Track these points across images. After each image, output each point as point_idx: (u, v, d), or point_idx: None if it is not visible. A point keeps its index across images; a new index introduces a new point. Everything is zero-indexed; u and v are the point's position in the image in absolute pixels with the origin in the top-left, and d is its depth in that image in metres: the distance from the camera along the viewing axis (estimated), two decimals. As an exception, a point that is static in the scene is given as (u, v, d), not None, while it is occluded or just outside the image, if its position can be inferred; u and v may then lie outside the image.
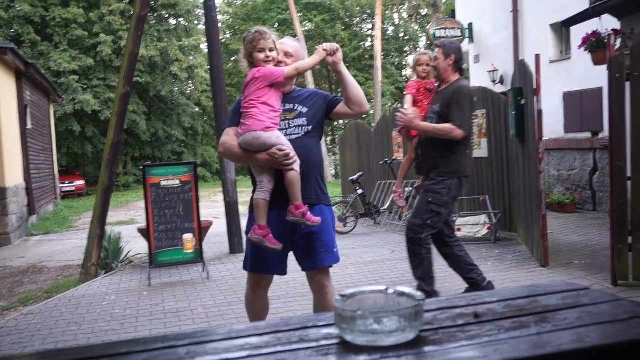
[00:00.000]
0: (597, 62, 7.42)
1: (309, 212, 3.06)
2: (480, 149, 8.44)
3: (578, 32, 8.31)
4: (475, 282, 4.76)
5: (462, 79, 4.73)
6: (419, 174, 4.92)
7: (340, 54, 3.07)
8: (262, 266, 3.31)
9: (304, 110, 3.20)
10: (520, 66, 6.92)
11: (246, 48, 3.13)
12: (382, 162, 10.62)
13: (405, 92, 4.96)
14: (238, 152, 3.13)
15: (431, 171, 4.66)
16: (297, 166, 3.07)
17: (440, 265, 5.10)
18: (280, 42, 3.28)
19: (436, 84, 4.89)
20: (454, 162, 4.58)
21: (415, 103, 4.82)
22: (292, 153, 3.04)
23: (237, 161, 3.31)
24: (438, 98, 4.71)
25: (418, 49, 38.29)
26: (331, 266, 3.33)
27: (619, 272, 4.94)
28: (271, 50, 3.10)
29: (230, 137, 3.18)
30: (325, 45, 3.07)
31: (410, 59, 39.76)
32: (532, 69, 5.98)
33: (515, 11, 11.74)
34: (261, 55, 3.08)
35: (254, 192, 3.24)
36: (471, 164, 4.76)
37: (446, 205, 4.62)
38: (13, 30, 25.18)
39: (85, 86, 25.40)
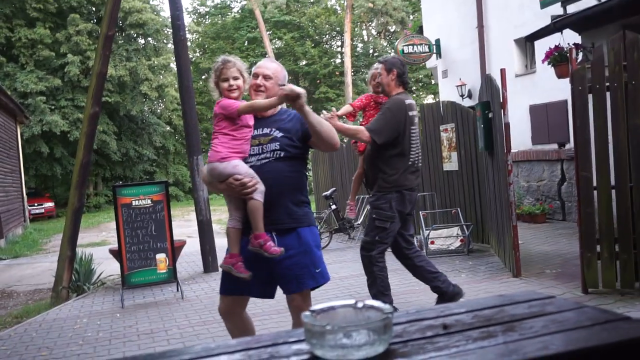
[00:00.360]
0: (560, 75, 7.59)
1: (268, 242, 3.02)
2: (451, 162, 8.53)
3: (542, 47, 8.51)
4: (440, 290, 4.81)
5: (403, 93, 4.74)
6: (366, 187, 5.06)
7: (303, 100, 2.94)
8: (235, 288, 3.26)
9: (279, 135, 3.15)
10: (487, 80, 7.04)
11: (214, 78, 3.17)
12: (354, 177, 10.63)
13: (353, 103, 5.11)
14: (206, 182, 3.24)
15: (372, 186, 4.77)
16: (258, 195, 3.03)
17: (414, 279, 5.13)
18: (258, 64, 3.27)
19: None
20: (391, 176, 4.61)
21: (363, 114, 5.07)
22: (252, 181, 3.01)
23: (212, 190, 3.36)
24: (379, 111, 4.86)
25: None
26: (312, 289, 3.28)
27: (589, 280, 5.03)
28: (235, 78, 3.11)
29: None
30: (287, 89, 2.93)
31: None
32: (499, 82, 6.08)
33: (481, 27, 11.97)
34: (225, 85, 3.11)
35: None
36: (416, 177, 4.74)
37: (391, 219, 4.62)
38: (-23, 52, 24.84)
39: (53, 107, 25.08)
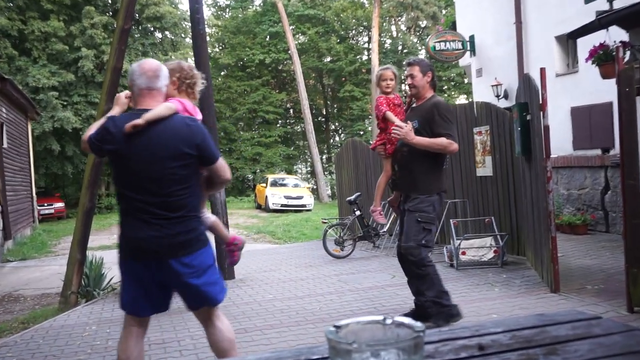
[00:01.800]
0: (605, 75, 7.48)
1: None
2: (485, 167, 8.46)
3: (585, 45, 8.39)
4: (418, 306, 4.98)
5: (437, 95, 5.02)
6: (395, 190, 5.17)
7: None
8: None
9: None
10: (525, 80, 6.96)
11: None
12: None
13: (381, 109, 5.12)
14: None
15: (411, 189, 4.88)
16: None
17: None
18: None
19: (408, 101, 5.20)
20: (434, 179, 4.86)
21: (383, 119, 5.12)
22: None
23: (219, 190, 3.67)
24: (414, 114, 4.92)
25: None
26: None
27: (635, 297, 4.93)
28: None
29: None
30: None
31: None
32: (538, 83, 6.02)
33: (519, 23, 11.85)
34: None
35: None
36: (446, 179, 5.12)
37: (434, 221, 4.87)
38: (-12, 45, 25.25)
39: (65, 103, 25.42)
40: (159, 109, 3.17)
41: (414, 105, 5.09)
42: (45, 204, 23.88)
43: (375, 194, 5.36)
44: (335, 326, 1.03)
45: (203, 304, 3.31)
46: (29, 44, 25.79)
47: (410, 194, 4.89)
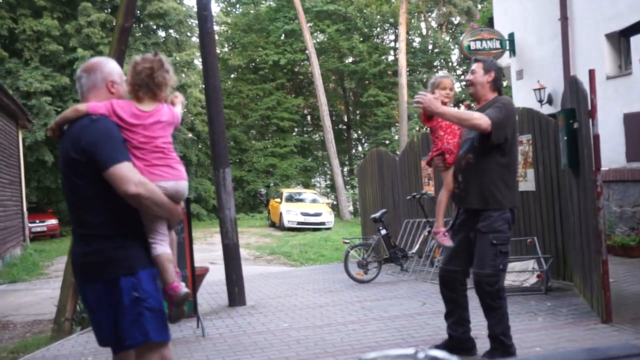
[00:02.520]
0: (663, 77, 7.44)
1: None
2: (526, 181, 8.42)
3: (639, 43, 8.35)
4: (456, 338, 5.03)
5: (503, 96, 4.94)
6: (460, 206, 4.96)
7: None
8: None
9: None
10: (571, 83, 6.94)
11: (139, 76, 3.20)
12: (409, 197, 10.61)
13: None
14: (164, 199, 3.12)
15: (482, 204, 4.74)
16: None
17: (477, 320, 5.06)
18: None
19: (472, 105, 5.10)
20: (507, 191, 4.74)
21: (435, 127, 5.04)
22: None
23: (154, 210, 3.11)
24: None
25: (446, 65, 38.60)
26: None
27: (697, 329, 4.87)
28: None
29: (143, 177, 3.05)
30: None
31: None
32: (586, 86, 5.99)
33: (565, 19, 11.82)
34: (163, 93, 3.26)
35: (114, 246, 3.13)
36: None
37: (509, 242, 4.79)
38: (-24, 45, 25.74)
39: (59, 109, 25.63)
40: (66, 111, 3.21)
41: (475, 109, 4.98)
42: (37, 221, 24.10)
43: (437, 212, 5.14)
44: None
45: (114, 346, 3.15)
46: (20, 45, 26.19)
47: (480, 211, 4.75)
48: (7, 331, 8.16)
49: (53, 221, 25.31)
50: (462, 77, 37.92)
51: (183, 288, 3.17)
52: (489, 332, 4.81)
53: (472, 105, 5.19)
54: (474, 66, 4.91)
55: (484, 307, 4.80)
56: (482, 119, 4.48)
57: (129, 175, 2.96)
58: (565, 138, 6.77)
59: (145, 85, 3.14)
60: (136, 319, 3.02)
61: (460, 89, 38.49)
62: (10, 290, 11.79)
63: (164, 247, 3.16)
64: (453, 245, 4.91)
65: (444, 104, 4.90)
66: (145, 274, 3.09)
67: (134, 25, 26.35)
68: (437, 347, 5.09)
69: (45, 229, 24.60)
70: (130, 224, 3.13)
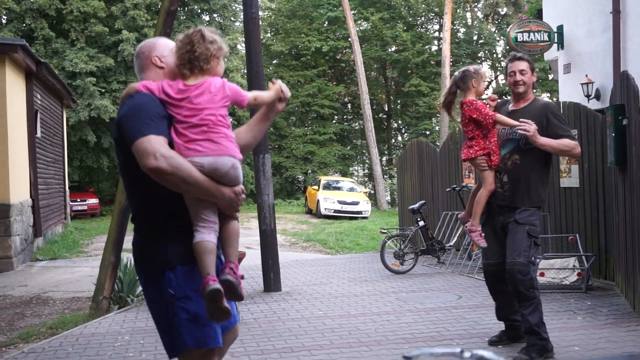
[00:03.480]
0: None
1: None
2: (570, 178, 8.28)
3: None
4: (517, 325, 5.18)
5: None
6: (503, 205, 5.04)
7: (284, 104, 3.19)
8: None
9: None
10: (622, 78, 6.80)
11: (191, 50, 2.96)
12: (449, 189, 10.53)
13: (488, 113, 4.90)
14: (197, 176, 2.75)
15: (523, 201, 4.96)
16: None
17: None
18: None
19: (494, 104, 5.22)
20: (543, 189, 5.07)
21: (484, 125, 4.98)
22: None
23: (186, 189, 2.77)
24: (520, 118, 4.89)
25: (492, 56, 38.06)
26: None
27: None
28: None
29: (171, 151, 2.73)
30: (283, 87, 3.12)
31: (486, 67, 39.50)
32: (638, 82, 5.87)
33: (617, 12, 11.54)
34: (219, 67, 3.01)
35: (148, 235, 2.91)
36: None
37: (539, 237, 5.06)
38: (25, 25, 26.14)
39: (103, 90, 26.11)
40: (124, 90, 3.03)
41: (511, 108, 5.15)
42: (78, 200, 24.54)
43: (475, 211, 5.06)
44: (405, 357, 1.02)
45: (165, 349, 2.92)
46: (66, 25, 26.57)
47: (519, 205, 4.95)
48: (47, 306, 8.33)
49: (94, 200, 25.75)
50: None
51: (213, 284, 2.72)
52: (525, 325, 4.89)
53: (498, 100, 5.35)
54: (524, 66, 5.04)
55: (519, 298, 4.91)
56: (578, 147, 5.01)
57: (150, 147, 2.67)
58: (613, 134, 6.66)
59: (188, 62, 2.91)
60: (173, 329, 2.81)
61: (503, 81, 38.01)
62: (51, 267, 12.03)
63: (203, 234, 2.80)
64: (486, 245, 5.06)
65: (520, 93, 5.13)
66: (182, 270, 2.82)
67: (179, 9, 26.54)
68: (496, 338, 5.32)
69: (86, 207, 25.04)
70: (171, 213, 2.87)
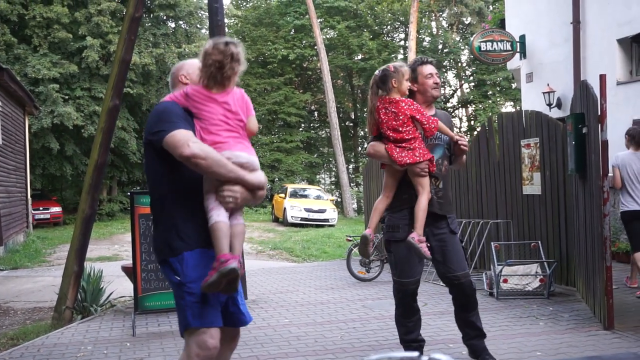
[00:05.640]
0: (674, 85, 7.41)
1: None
2: (533, 185, 8.40)
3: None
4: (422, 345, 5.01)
5: None
6: (439, 213, 4.67)
7: None
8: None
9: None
10: (581, 88, 6.92)
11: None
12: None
13: (428, 117, 4.53)
14: (226, 162, 3.15)
15: (451, 208, 4.86)
16: None
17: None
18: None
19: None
20: None
21: (426, 129, 4.58)
22: None
23: (212, 170, 3.08)
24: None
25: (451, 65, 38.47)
26: None
27: (700, 339, 4.85)
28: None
29: (199, 141, 3.11)
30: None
31: (451, 76, 39.93)
32: (597, 91, 5.97)
33: (577, 22, 11.77)
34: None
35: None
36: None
37: None
38: (-15, 30, 25.74)
39: (66, 97, 25.77)
40: None
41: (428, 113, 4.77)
42: (41, 208, 24.17)
43: (420, 220, 4.49)
44: None
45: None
46: (29, 31, 26.20)
47: (450, 214, 4.78)
48: (8, 317, 8.19)
49: (57, 209, 25.38)
50: (471, 77, 37.88)
51: (234, 263, 3.02)
52: (479, 329, 4.78)
53: None
54: (433, 69, 4.75)
55: (472, 306, 4.75)
56: None
57: (182, 138, 3.03)
58: (574, 143, 6.75)
59: (213, 78, 3.17)
60: (181, 308, 3.13)
61: (468, 89, 38.45)
62: (12, 277, 11.83)
63: (219, 215, 3.12)
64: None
65: (435, 96, 4.81)
66: (190, 256, 3.14)
67: (144, 16, 26.36)
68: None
69: (48, 216, 24.67)
70: (178, 206, 3.19)
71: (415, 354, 1.01)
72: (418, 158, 4.44)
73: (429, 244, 4.51)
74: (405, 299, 4.75)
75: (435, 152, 4.65)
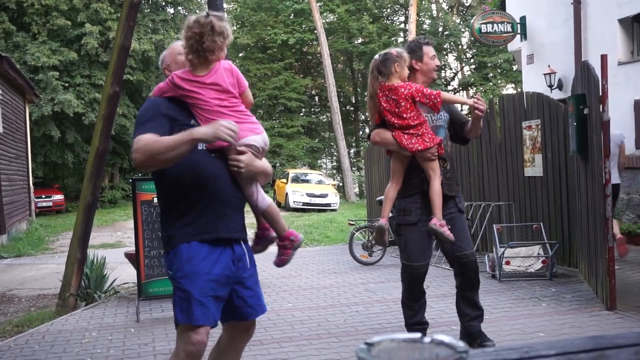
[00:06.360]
0: (676, 64, 7.37)
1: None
2: (534, 167, 8.39)
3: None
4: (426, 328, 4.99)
5: None
6: (449, 194, 4.65)
7: None
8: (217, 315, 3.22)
9: None
10: (582, 69, 6.89)
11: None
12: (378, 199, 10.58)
13: (432, 93, 4.37)
14: (169, 141, 3.03)
15: (457, 189, 4.85)
16: None
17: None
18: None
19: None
20: None
21: (431, 107, 4.51)
22: None
23: (169, 158, 2.95)
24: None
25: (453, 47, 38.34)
26: None
27: (702, 318, 4.86)
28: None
29: (143, 140, 2.97)
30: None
31: (451, 59, 39.77)
32: (598, 72, 5.95)
33: (577, 3, 11.71)
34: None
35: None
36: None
37: None
38: (-16, 19, 25.65)
39: (66, 84, 25.73)
40: None
41: None
42: (43, 196, 24.21)
43: (437, 204, 4.49)
44: (366, 343, 1.03)
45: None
46: (27, 18, 26.12)
47: (457, 194, 4.77)
48: (12, 305, 8.21)
49: (59, 196, 25.43)
50: (471, 60, 37.71)
51: (301, 235, 3.40)
52: (480, 309, 4.80)
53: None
54: (431, 50, 4.72)
55: (476, 285, 4.77)
56: None
57: (134, 147, 2.95)
58: (575, 124, 6.74)
59: (195, 51, 3.04)
60: (176, 299, 3.08)
61: (469, 72, 38.31)
62: (16, 265, 11.85)
63: (265, 200, 3.28)
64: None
65: (433, 79, 4.80)
66: (186, 248, 3.04)
67: (143, 2, 26.25)
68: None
69: (51, 204, 24.72)
70: (178, 201, 3.10)
71: (418, 335, 1.00)
72: (428, 143, 4.39)
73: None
74: (414, 282, 4.78)
75: (439, 133, 4.62)
